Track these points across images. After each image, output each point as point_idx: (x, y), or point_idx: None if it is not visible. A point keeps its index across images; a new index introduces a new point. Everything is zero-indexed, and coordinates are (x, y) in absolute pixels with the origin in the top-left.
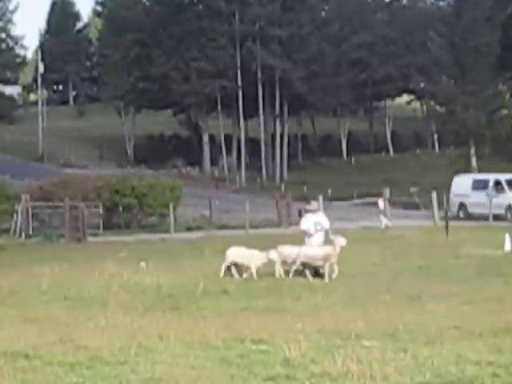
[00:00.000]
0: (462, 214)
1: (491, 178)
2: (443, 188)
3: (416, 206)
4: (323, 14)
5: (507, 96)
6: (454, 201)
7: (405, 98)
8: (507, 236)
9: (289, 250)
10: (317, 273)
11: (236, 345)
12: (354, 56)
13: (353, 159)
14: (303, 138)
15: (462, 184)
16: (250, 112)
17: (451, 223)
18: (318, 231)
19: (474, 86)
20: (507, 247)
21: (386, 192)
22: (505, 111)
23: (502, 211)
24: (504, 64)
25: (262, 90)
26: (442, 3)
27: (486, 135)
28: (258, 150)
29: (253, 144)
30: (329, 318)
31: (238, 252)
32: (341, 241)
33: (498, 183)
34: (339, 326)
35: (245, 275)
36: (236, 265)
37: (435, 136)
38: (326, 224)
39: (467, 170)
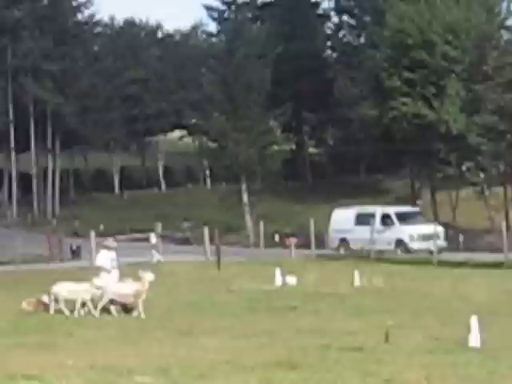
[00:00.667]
0: (342, 251)
1: (378, 210)
2: (215, 223)
3: (188, 242)
4: (96, 48)
5: (278, 132)
6: (334, 237)
7: (177, 133)
8: (277, 270)
9: (68, 287)
10: (125, 309)
11: (6, 381)
12: (127, 91)
13: (125, 194)
14: (75, 172)
15: (343, 218)
16: (22, 146)
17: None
18: (113, 268)
19: (245, 121)
20: (278, 281)
21: (158, 227)
22: (275, 147)
23: (391, 247)
24: (275, 100)
25: (34, 124)
26: (214, 40)
27: (257, 171)
28: (30, 185)
29: (24, 178)
30: (101, 353)
31: (64, 287)
32: (149, 276)
33: (386, 216)
34: (111, 361)
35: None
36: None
37: (207, 171)
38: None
39: (239, 205)
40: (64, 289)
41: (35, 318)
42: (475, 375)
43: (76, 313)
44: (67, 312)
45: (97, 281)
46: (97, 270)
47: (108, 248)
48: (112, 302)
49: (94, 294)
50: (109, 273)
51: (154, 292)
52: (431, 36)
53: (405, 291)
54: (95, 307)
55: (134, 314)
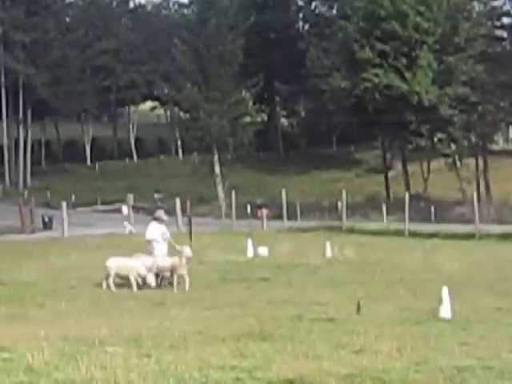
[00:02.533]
0: None
1: None
2: (187, 194)
3: None
4: (68, 19)
5: (250, 103)
6: None
7: (149, 104)
8: (249, 241)
9: (119, 262)
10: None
11: None
12: (99, 62)
13: (97, 165)
14: (47, 143)
15: None
16: None
17: (196, 229)
18: (164, 241)
19: (217, 93)
20: (249, 252)
21: (130, 198)
22: (247, 118)
23: None
24: (247, 71)
25: (6, 95)
26: (186, 11)
27: (229, 142)
28: (1, 156)
29: None
30: (72, 324)
31: (115, 261)
32: (187, 251)
33: None
34: (83, 332)
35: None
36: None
37: (179, 142)
38: (169, 235)
39: (211, 176)
40: (115, 264)
41: (6, 289)
42: (446, 346)
43: (134, 288)
44: (113, 288)
45: (139, 257)
46: (148, 243)
47: (158, 220)
48: (157, 275)
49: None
50: (159, 245)
51: None
52: (403, 7)
53: (376, 262)
54: (144, 282)
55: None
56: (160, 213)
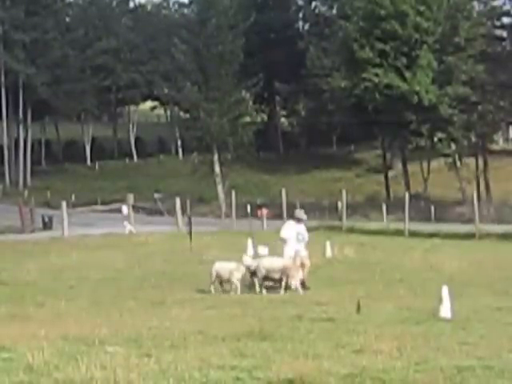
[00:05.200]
0: None
1: None
2: (187, 194)
3: (160, 212)
4: (68, 19)
5: (250, 103)
6: None
7: (149, 104)
8: (249, 241)
9: (220, 266)
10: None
11: None
12: (99, 62)
13: (97, 165)
14: (47, 143)
15: None
16: None
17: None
18: (299, 241)
19: (217, 92)
20: (249, 252)
21: (130, 198)
22: (247, 118)
23: None
24: (247, 71)
25: (6, 95)
26: (186, 10)
27: (229, 141)
28: (1, 156)
29: None
30: (72, 324)
31: (218, 265)
32: (301, 253)
33: None
34: (83, 332)
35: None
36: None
37: (179, 142)
38: (307, 236)
39: (211, 176)
40: (216, 267)
41: (7, 289)
42: (446, 346)
43: (238, 291)
44: (213, 291)
45: (246, 259)
46: (282, 242)
47: (297, 220)
48: (266, 278)
49: (243, 272)
50: (293, 245)
51: (125, 263)
52: (403, 7)
53: (376, 262)
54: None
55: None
56: (300, 212)
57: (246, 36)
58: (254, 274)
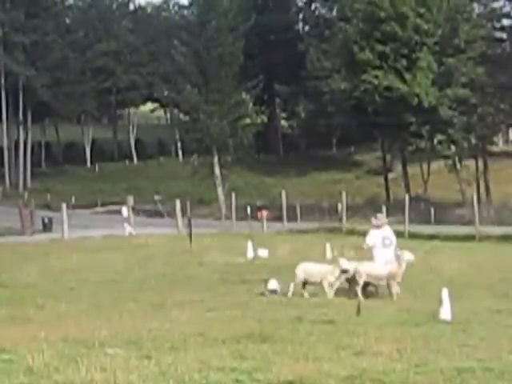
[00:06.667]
0: None
1: None
2: (187, 196)
3: (160, 214)
4: (68, 21)
5: (250, 105)
6: None
7: (149, 106)
8: (249, 243)
9: (311, 268)
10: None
11: None
12: (99, 64)
13: (97, 167)
14: (47, 145)
15: None
16: None
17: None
18: (386, 247)
19: (217, 94)
20: (249, 254)
21: (130, 200)
22: (247, 120)
23: None
24: (247, 73)
25: (6, 97)
26: (186, 12)
27: (229, 143)
28: (1, 158)
29: None
30: (72, 326)
31: (306, 268)
32: (407, 256)
33: None
34: (83, 334)
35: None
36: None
37: (179, 144)
38: (394, 239)
39: (210, 178)
40: (303, 270)
41: (7, 291)
42: (446, 348)
43: (329, 295)
44: (290, 294)
45: (343, 262)
46: (369, 251)
47: (377, 226)
48: (367, 284)
49: (338, 276)
50: (380, 251)
51: (125, 265)
52: (403, 9)
53: None
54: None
55: (394, 297)
56: (378, 217)
57: (246, 38)
58: (352, 279)
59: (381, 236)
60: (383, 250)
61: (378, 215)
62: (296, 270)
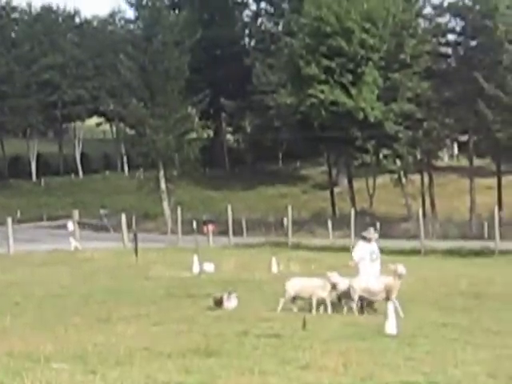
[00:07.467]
0: None
1: None
2: (132, 210)
3: (106, 228)
4: (13, 34)
5: (196, 119)
6: None
7: (95, 120)
8: (195, 258)
9: (300, 283)
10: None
11: None
12: (44, 77)
13: (42, 181)
14: None
15: None
16: None
17: (142, 245)
18: (373, 261)
19: (163, 108)
20: (195, 268)
21: (76, 214)
22: (193, 134)
23: None
24: (193, 87)
25: None
26: (132, 26)
27: (175, 158)
28: None
29: None
30: (17, 340)
31: (296, 283)
32: (401, 270)
33: None
34: (28, 348)
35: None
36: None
37: (125, 158)
38: (379, 254)
39: (156, 192)
40: (294, 285)
41: None
42: (392, 361)
43: (313, 311)
44: (295, 309)
45: (334, 277)
46: (355, 265)
47: (367, 239)
48: (361, 299)
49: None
50: (367, 267)
51: (71, 279)
52: (349, 24)
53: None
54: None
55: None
56: (369, 231)
57: (192, 52)
58: (343, 295)
59: (369, 250)
60: (370, 264)
61: (370, 229)
62: (286, 285)
